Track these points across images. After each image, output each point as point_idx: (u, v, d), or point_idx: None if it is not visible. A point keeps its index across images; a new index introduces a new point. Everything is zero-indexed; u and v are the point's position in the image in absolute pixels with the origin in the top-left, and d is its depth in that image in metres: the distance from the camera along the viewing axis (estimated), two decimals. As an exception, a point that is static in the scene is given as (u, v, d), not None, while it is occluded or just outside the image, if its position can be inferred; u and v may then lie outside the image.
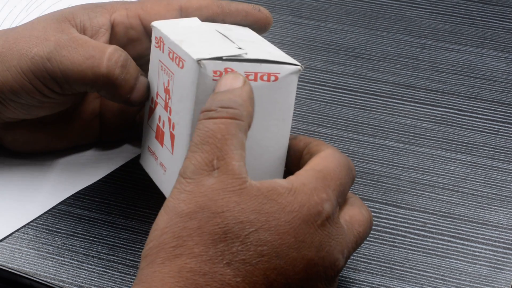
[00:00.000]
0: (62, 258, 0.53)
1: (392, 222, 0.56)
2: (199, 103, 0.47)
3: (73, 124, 0.57)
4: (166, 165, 0.51)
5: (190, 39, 0.48)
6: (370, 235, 0.55)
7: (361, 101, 0.65)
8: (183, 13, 0.53)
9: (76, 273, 0.52)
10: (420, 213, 0.56)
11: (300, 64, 0.48)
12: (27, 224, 0.55)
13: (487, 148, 0.61)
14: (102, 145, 0.59)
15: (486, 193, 0.58)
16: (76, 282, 0.51)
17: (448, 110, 0.64)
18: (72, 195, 0.56)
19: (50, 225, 0.55)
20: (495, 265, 0.53)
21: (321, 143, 0.49)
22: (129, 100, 0.51)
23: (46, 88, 0.51)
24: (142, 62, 0.54)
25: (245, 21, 0.53)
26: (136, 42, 0.54)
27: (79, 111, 0.57)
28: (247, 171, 0.44)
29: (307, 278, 0.44)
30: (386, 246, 0.54)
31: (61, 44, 0.50)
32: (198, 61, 0.46)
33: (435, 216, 0.56)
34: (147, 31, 0.53)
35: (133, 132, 0.58)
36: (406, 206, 0.57)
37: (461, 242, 0.55)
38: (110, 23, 0.53)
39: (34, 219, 0.55)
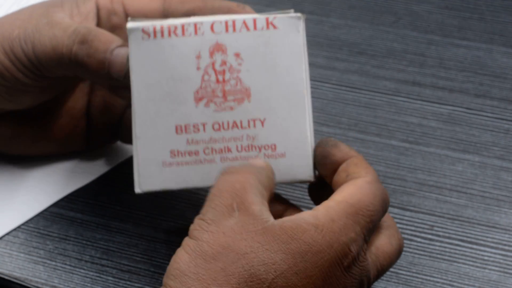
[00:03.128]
0: (54, 263, 0.53)
1: (398, 225, 0.55)
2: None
3: (59, 121, 0.57)
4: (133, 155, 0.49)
5: None
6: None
7: (365, 99, 0.65)
8: (166, 4, 0.53)
9: (69, 278, 0.52)
10: (426, 216, 0.56)
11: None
12: (18, 227, 0.55)
13: (496, 148, 0.61)
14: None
15: (495, 195, 0.58)
16: (69, 287, 0.52)
17: (456, 108, 0.64)
18: (64, 197, 0.56)
19: (41, 228, 0.55)
20: (505, 270, 0.53)
21: (361, 164, 0.47)
22: (111, 77, 0.50)
23: (27, 70, 0.52)
24: None
25: None
26: (120, 30, 0.54)
27: (66, 108, 0.57)
28: (270, 214, 0.44)
29: None
30: (391, 250, 0.54)
31: (38, 27, 0.51)
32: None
33: (442, 219, 0.56)
34: None
35: (120, 135, 0.58)
36: (412, 208, 0.57)
37: (470, 246, 0.55)
38: (96, 8, 0.54)
39: (25, 222, 0.55)
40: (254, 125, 0.48)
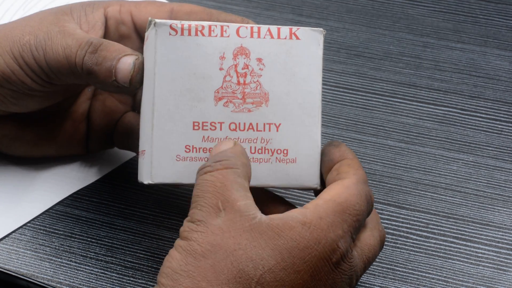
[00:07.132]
0: (59, 259, 0.53)
1: (394, 223, 0.56)
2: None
3: (62, 124, 0.57)
4: (145, 147, 0.49)
5: None
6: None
7: (362, 100, 0.65)
8: (173, 15, 0.53)
9: (74, 274, 0.52)
10: (422, 214, 0.56)
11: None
12: (24, 225, 0.55)
13: (490, 148, 0.61)
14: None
15: (489, 194, 0.58)
16: (74, 284, 0.52)
17: (450, 109, 0.64)
18: (70, 196, 0.56)
19: (47, 226, 0.55)
20: (499, 267, 0.53)
21: (353, 165, 0.48)
22: (117, 85, 0.50)
23: (35, 75, 0.52)
24: None
25: None
26: (127, 39, 0.54)
27: (69, 111, 0.57)
28: (256, 208, 0.44)
29: None
30: (388, 247, 0.54)
31: (50, 35, 0.51)
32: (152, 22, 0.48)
33: (437, 217, 0.56)
34: (137, 29, 0.54)
35: (114, 140, 0.57)
36: (408, 206, 0.57)
37: (464, 243, 0.55)
38: (105, 18, 0.54)
39: (31, 220, 0.55)
40: (269, 129, 0.48)
